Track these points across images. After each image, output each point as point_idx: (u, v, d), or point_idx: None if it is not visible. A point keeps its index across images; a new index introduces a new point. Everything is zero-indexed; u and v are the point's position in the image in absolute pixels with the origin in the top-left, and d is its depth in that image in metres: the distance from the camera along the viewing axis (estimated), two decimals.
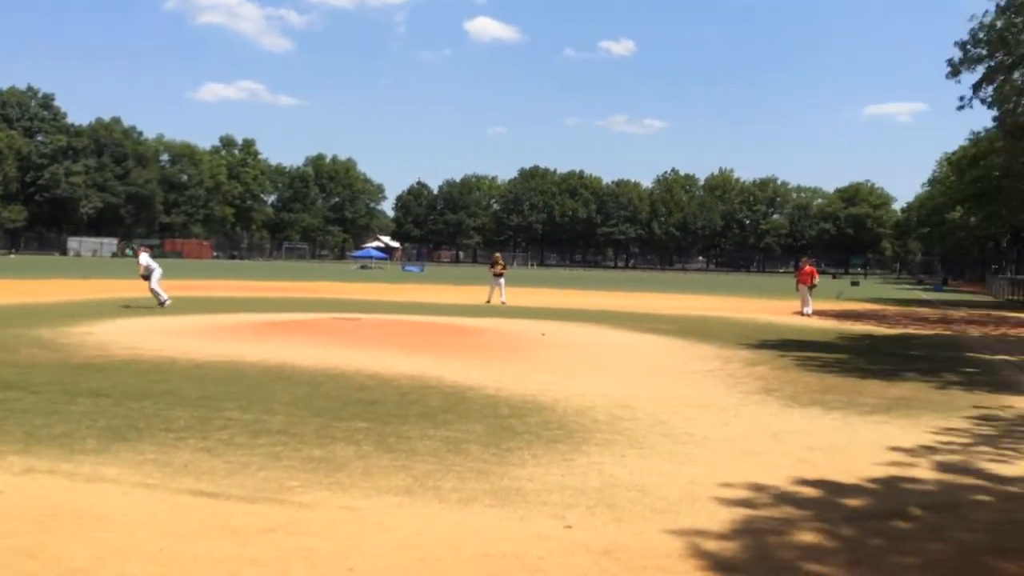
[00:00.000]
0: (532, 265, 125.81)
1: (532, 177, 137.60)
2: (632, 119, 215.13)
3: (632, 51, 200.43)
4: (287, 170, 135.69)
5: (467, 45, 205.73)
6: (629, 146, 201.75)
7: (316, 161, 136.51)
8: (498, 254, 30.54)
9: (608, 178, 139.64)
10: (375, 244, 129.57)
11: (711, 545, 4.78)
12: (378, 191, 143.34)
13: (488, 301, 27.55)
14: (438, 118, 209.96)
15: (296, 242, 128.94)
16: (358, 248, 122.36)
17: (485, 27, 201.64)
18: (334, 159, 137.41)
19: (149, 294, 21.44)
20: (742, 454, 7.07)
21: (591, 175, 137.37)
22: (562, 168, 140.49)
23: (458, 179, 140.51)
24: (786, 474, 6.34)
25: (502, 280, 28.46)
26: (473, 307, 25.57)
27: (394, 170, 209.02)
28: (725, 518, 5.25)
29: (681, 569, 4.43)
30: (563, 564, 4.46)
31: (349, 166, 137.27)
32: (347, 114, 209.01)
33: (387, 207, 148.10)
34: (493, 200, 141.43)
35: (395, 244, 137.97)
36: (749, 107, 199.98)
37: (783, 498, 5.77)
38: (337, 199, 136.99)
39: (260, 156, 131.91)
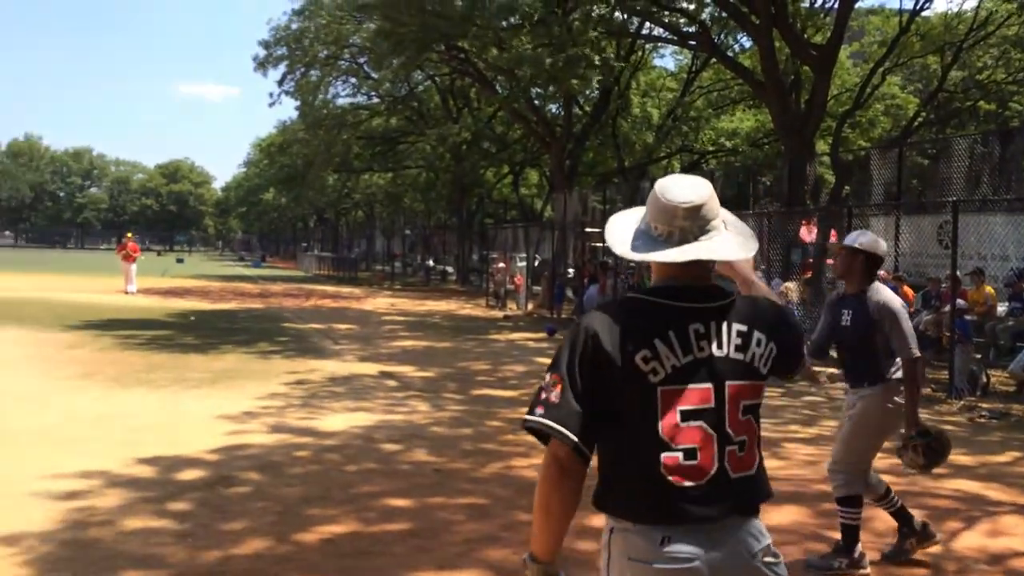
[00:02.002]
0: None
1: None
2: None
3: None
4: None
5: None
6: None
7: None
8: None
9: None
10: None
11: (28, 548, 4.32)
12: None
13: None
14: None
15: None
16: None
17: None
18: None
19: None
20: (61, 444, 6.54)
21: None
22: None
23: None
24: (113, 459, 6.06)
25: None
26: None
27: None
28: (43, 516, 4.79)
29: None
30: None
31: None
32: None
33: None
34: None
35: None
36: (58, 71, 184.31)
37: (111, 484, 5.51)
38: None
39: None
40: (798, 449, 7.14)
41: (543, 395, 1.89)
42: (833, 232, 15.60)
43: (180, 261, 56.19)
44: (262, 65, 34.34)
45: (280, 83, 34.65)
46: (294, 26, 33.85)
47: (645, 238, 1.95)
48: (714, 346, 1.90)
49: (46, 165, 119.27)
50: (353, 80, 37.60)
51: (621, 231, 2.00)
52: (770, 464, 6.82)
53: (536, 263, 25.93)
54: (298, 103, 36.77)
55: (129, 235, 27.34)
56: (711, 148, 32.00)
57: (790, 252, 14.35)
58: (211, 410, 7.98)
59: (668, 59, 46.63)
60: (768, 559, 1.92)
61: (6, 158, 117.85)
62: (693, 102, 30.44)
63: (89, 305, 19.68)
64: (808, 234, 15.97)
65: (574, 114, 29.10)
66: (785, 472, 6.29)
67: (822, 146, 23.06)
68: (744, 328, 1.93)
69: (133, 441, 6.66)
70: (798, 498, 5.64)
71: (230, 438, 6.93)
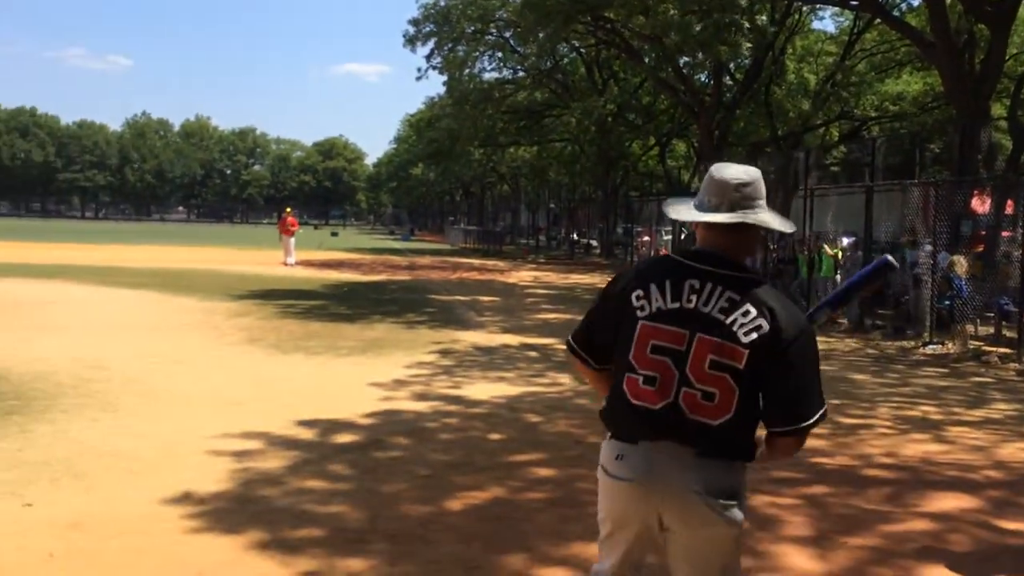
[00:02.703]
0: None
1: None
2: (92, 53, 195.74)
3: None
4: None
5: None
6: (90, 84, 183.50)
7: None
8: None
9: (67, 118, 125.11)
10: None
11: (197, 502, 4.62)
12: None
13: None
14: None
15: None
16: None
17: None
18: None
19: None
20: (228, 406, 6.96)
21: (46, 113, 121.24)
22: (8, 103, 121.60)
23: None
24: (275, 420, 6.39)
25: None
26: None
27: None
28: (211, 473, 5.12)
29: (161, 530, 4.20)
30: (20, 547, 3.93)
31: None
32: None
33: None
34: None
35: None
36: (224, 54, 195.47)
37: (272, 444, 5.81)
38: None
39: None
40: (964, 433, 6.68)
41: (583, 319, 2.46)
42: (1010, 202, 14.43)
43: (335, 235, 58.59)
44: (411, 42, 35.20)
45: (428, 59, 35.41)
46: (442, 3, 34.46)
47: (698, 208, 2.27)
48: (701, 302, 2.16)
49: (215, 144, 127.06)
50: (499, 54, 37.87)
51: (678, 206, 2.38)
52: (933, 448, 6.40)
53: (683, 236, 25.41)
54: (445, 79, 37.46)
55: (288, 210, 28.70)
56: (873, 114, 30.27)
57: (959, 224, 13.38)
58: (363, 377, 8.30)
59: (827, 21, 44.34)
60: (714, 499, 2.11)
61: (179, 138, 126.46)
62: (854, 66, 28.81)
63: (252, 276, 20.89)
64: (981, 205, 14.87)
65: (724, 82, 28.20)
66: (949, 457, 5.91)
67: (998, 109, 21.34)
68: (737, 297, 2.15)
69: (292, 404, 7.01)
70: (962, 484, 5.29)
71: (381, 404, 7.19)
